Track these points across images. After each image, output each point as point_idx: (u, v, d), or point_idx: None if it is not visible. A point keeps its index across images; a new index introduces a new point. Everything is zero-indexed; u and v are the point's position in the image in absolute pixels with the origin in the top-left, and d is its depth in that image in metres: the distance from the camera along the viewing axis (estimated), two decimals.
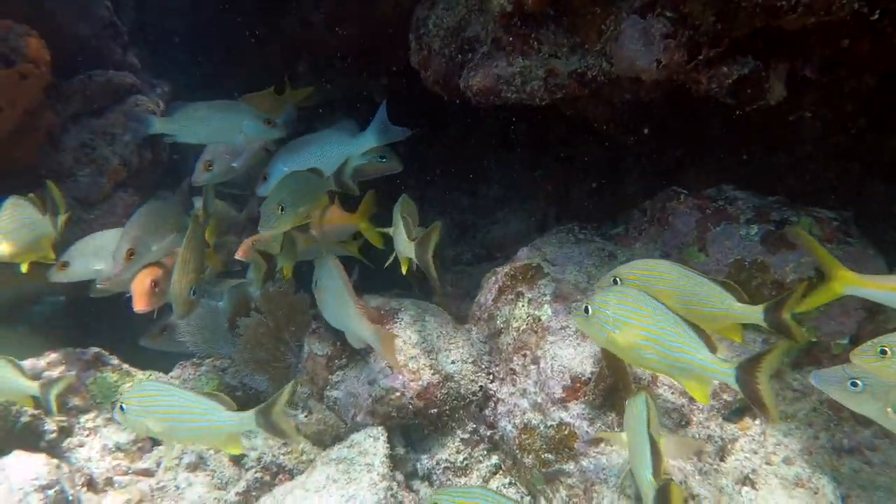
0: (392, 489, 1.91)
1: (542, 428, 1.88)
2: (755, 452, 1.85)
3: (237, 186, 2.80)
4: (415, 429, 2.07)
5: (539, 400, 1.90)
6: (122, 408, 1.65)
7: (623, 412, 1.68)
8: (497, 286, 2.14)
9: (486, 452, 2.05)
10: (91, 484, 2.07)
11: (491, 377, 2.07)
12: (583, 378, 1.85)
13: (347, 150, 2.27)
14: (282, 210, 2.00)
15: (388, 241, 2.10)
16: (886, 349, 1.40)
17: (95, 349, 2.31)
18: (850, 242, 1.95)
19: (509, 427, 1.96)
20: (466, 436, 2.05)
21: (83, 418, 2.22)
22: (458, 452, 2.03)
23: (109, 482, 2.10)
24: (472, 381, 2.05)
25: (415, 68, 2.33)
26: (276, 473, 2.08)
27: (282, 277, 2.25)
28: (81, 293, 2.39)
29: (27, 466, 1.86)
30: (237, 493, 2.05)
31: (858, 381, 1.46)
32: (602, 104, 2.26)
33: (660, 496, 1.41)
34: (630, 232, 2.27)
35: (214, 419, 1.63)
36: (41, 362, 2.23)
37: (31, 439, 2.11)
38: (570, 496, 1.82)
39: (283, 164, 2.30)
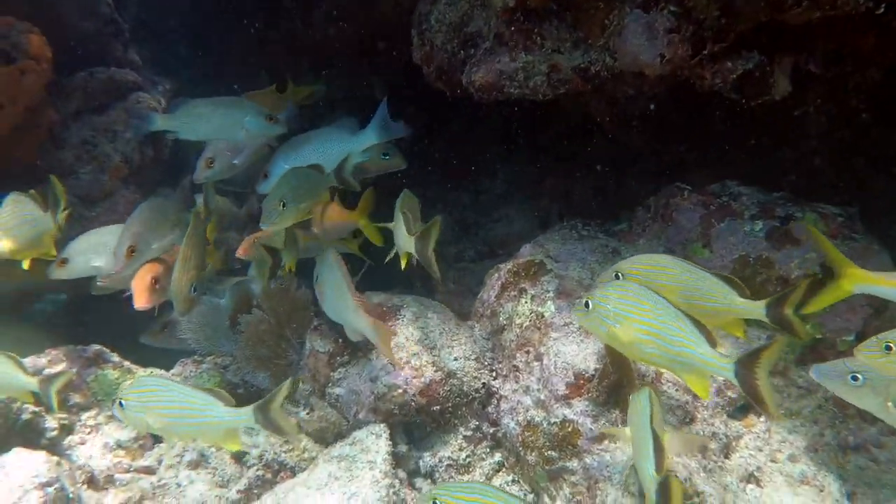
0: (394, 487, 1.90)
1: (545, 425, 1.87)
2: (760, 450, 1.84)
3: (238, 184, 2.79)
4: (417, 426, 2.06)
5: (542, 397, 1.89)
6: (121, 403, 1.65)
7: (627, 409, 1.67)
8: (500, 283, 2.13)
9: (488, 450, 2.04)
10: (92, 481, 2.06)
11: (494, 374, 2.06)
12: (586, 375, 1.84)
13: (348, 147, 2.26)
14: (283, 206, 1.99)
15: (391, 237, 2.09)
16: (891, 345, 1.40)
17: (96, 346, 2.30)
18: (855, 238, 1.94)
19: (512, 424, 1.95)
20: (469, 433, 2.04)
21: (84, 416, 2.22)
22: (460, 450, 2.02)
23: (110, 480, 2.10)
24: (475, 378, 2.04)
25: (416, 66, 2.32)
26: (278, 471, 2.07)
27: (283, 274, 2.24)
28: (83, 290, 2.39)
29: (27, 464, 1.85)
30: (239, 491, 2.04)
31: (859, 375, 1.46)
32: (605, 100, 2.25)
33: (661, 490, 1.39)
34: (633, 228, 2.26)
35: (213, 415, 1.62)
36: (42, 360, 2.23)
37: (32, 437, 2.10)
38: (573, 494, 1.81)
39: (284, 162, 2.30)
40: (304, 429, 2.10)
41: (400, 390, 1.99)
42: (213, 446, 2.10)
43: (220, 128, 2.27)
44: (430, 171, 2.81)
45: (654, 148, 2.47)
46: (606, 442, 1.79)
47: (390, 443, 1.98)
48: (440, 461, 2.02)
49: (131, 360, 2.35)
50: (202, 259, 2.13)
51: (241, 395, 2.27)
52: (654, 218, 2.20)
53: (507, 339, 2.05)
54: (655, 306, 1.47)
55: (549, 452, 1.84)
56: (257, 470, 2.06)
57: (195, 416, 1.62)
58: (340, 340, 2.12)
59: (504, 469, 2.01)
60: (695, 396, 1.86)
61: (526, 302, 2.03)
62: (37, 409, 2.12)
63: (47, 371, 2.22)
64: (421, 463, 2.04)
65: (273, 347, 2.23)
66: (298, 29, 3.07)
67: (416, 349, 2.02)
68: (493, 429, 2.03)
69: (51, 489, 1.83)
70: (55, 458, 1.93)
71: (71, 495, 1.89)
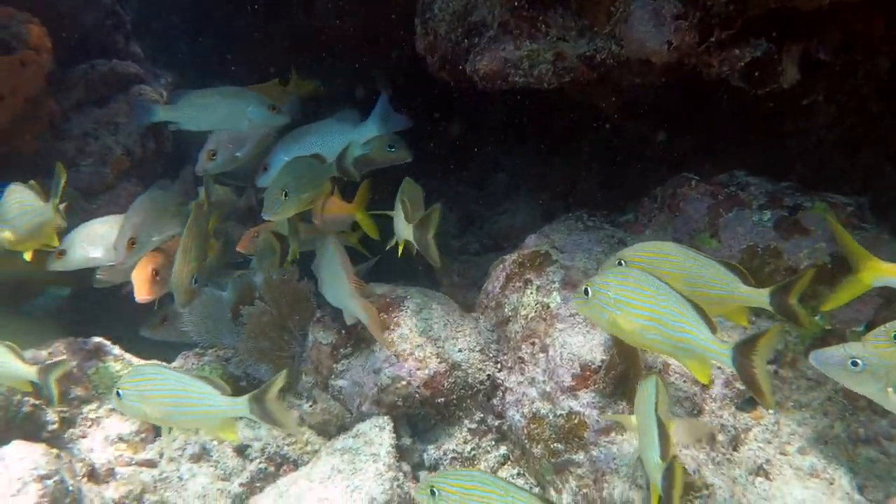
0: (398, 480, 1.88)
1: (551, 417, 1.84)
2: (769, 442, 1.82)
3: (239, 178, 2.78)
4: (421, 418, 2.04)
5: (548, 389, 1.87)
6: (118, 393, 1.63)
7: (634, 400, 1.64)
8: (505, 274, 2.11)
9: (493, 443, 2.01)
10: (93, 475, 2.03)
11: (499, 366, 2.04)
12: (593, 366, 1.82)
13: (349, 139, 2.26)
14: (285, 196, 1.97)
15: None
16: None
17: (97, 339, 2.28)
18: (865, 228, 1.92)
19: (517, 416, 1.92)
20: (474, 426, 2.01)
21: (85, 409, 2.19)
22: (465, 443, 2.00)
23: (111, 473, 2.07)
24: (480, 369, 2.01)
25: (419, 58, 2.30)
26: (281, 464, 2.05)
27: (286, 266, 2.23)
28: (86, 284, 2.37)
29: (26, 456, 1.82)
30: (241, 484, 2.02)
31: (859, 361, 1.44)
32: (611, 89, 2.23)
33: (666, 476, 1.37)
34: (640, 219, 2.24)
35: (209, 404, 1.61)
36: (42, 352, 2.20)
37: (32, 430, 2.08)
38: (580, 487, 1.78)
39: (285, 154, 2.29)
40: (307, 421, 2.08)
41: (404, 382, 1.97)
42: (212, 437, 2.08)
43: (223, 118, 2.26)
44: (435, 163, 2.80)
45: (661, 138, 2.45)
46: (613, 434, 1.77)
47: (394, 435, 1.96)
48: (444, 454, 2.00)
49: (133, 354, 2.33)
50: (203, 251, 2.11)
51: (243, 387, 2.25)
52: (661, 208, 2.18)
53: (512, 330, 2.02)
54: (657, 292, 1.45)
55: (555, 445, 1.82)
56: (260, 463, 2.04)
57: (192, 405, 1.61)
58: (343, 332, 2.10)
59: (509, 462, 1.99)
60: (703, 388, 1.85)
61: (531, 293, 2.01)
62: (37, 401, 2.10)
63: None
64: (425, 456, 2.01)
65: (275, 339, 2.21)
66: (300, 21, 3.05)
67: (419, 340, 2.00)
68: (499, 421, 2.01)
69: (50, 482, 1.81)
70: (55, 451, 1.90)
71: (71, 488, 1.86)
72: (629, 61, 1.94)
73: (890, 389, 1.43)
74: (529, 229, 2.33)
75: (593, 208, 2.37)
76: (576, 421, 1.80)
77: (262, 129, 2.38)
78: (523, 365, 1.95)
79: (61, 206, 2.12)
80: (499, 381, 2.02)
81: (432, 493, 1.46)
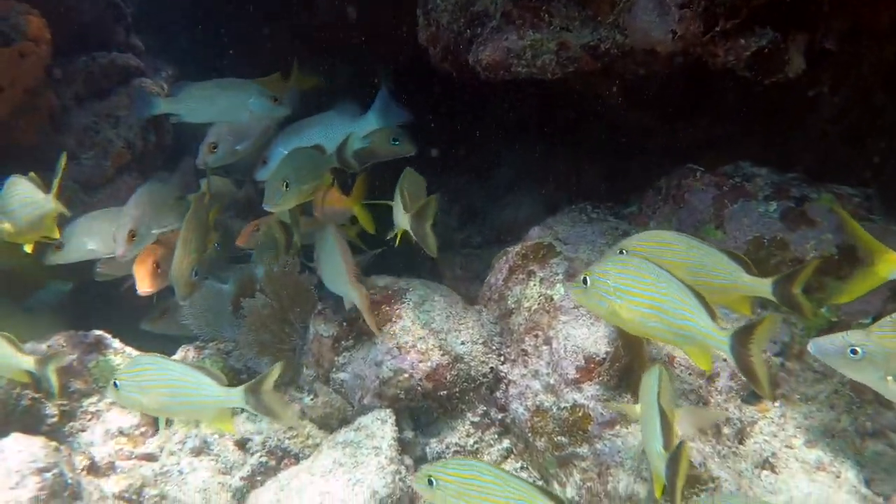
0: (400, 473, 1.86)
1: (554, 410, 1.83)
2: (775, 435, 1.81)
3: (239, 171, 2.77)
4: (423, 412, 2.02)
5: (552, 381, 1.85)
6: (115, 384, 1.63)
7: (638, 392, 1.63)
8: (508, 266, 2.09)
9: (497, 436, 2.00)
10: (93, 468, 2.02)
11: (502, 358, 2.02)
12: (597, 358, 1.80)
13: (349, 132, 2.24)
14: (286, 187, 1.96)
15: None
16: None
17: (97, 332, 2.26)
18: (872, 219, 1.90)
19: (521, 409, 1.91)
20: (477, 419, 1.99)
21: (85, 402, 2.18)
22: (468, 436, 1.98)
23: (111, 467, 2.06)
24: (483, 362, 2.00)
25: (422, 52, 2.29)
26: (282, 458, 2.03)
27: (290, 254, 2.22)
28: (87, 277, 2.37)
29: (25, 449, 1.80)
30: (242, 478, 2.01)
31: (858, 349, 1.42)
32: (615, 80, 2.21)
33: (671, 462, 1.36)
34: (644, 210, 2.22)
35: (205, 394, 1.60)
36: (42, 346, 2.19)
37: (31, 423, 2.07)
38: (584, 480, 1.77)
39: (284, 148, 2.28)
40: (309, 415, 2.06)
41: (406, 375, 1.95)
42: (211, 430, 2.07)
43: (224, 110, 2.26)
44: (437, 156, 2.78)
45: (665, 130, 2.43)
46: (618, 427, 1.75)
47: (396, 429, 1.94)
48: (447, 448, 1.98)
49: (134, 347, 2.32)
50: (203, 243, 2.10)
51: (244, 380, 2.20)
52: (665, 200, 2.16)
53: (515, 322, 2.01)
54: (657, 279, 1.44)
55: (559, 438, 1.81)
56: (261, 456, 2.03)
57: (189, 395, 1.60)
58: (345, 324, 2.08)
59: (513, 456, 1.97)
60: (708, 381, 1.83)
61: (535, 285, 1.99)
62: (37, 395, 2.08)
63: None
64: (428, 449, 1.99)
65: (276, 332, 2.19)
66: (302, 15, 3.04)
67: (422, 333, 1.98)
68: (502, 414, 1.99)
69: (48, 475, 1.79)
70: (53, 444, 1.88)
71: (70, 481, 1.85)
72: (633, 51, 1.92)
73: (890, 378, 1.42)
74: (532, 222, 2.32)
75: (597, 200, 2.36)
76: (580, 414, 1.79)
77: (264, 120, 2.37)
78: (527, 357, 1.94)
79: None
80: (502, 373, 2.00)
81: (430, 483, 1.44)
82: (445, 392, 1.96)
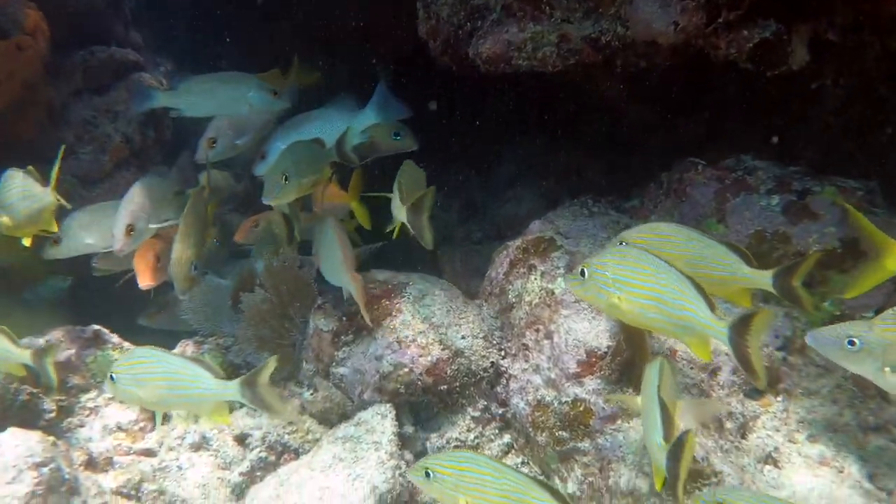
0: (400, 468, 1.85)
1: (555, 404, 1.82)
2: (777, 430, 1.79)
3: (238, 166, 2.76)
4: (424, 406, 2.01)
5: (553, 376, 1.84)
6: (112, 377, 1.62)
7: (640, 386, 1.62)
8: (508, 260, 2.08)
9: (497, 431, 1.99)
10: (90, 463, 2.01)
11: (503, 353, 2.01)
12: (598, 352, 1.79)
13: (347, 126, 2.23)
14: (286, 180, 1.95)
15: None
16: None
17: (95, 327, 2.25)
18: (875, 213, 1.89)
19: (522, 404, 1.90)
20: (477, 414, 1.99)
21: (83, 398, 2.17)
22: (468, 431, 1.97)
23: (109, 462, 2.05)
24: (484, 356, 1.99)
25: (422, 47, 2.27)
26: (282, 453, 2.03)
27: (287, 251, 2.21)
28: (87, 273, 2.36)
29: (21, 443, 1.79)
30: (241, 474, 2.00)
31: (856, 340, 1.42)
32: (616, 73, 2.19)
33: (673, 453, 1.35)
34: (645, 204, 2.21)
35: (201, 387, 1.60)
36: (39, 341, 2.17)
37: (29, 418, 2.05)
38: (585, 475, 1.76)
39: (282, 143, 2.27)
40: (308, 410, 2.06)
41: (406, 369, 1.94)
42: (210, 425, 2.06)
43: (224, 103, 2.25)
44: (438, 151, 2.77)
45: (666, 125, 2.42)
46: (620, 421, 1.74)
47: (396, 423, 1.93)
48: (448, 443, 1.97)
49: (133, 342, 2.31)
50: (202, 237, 2.09)
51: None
52: (667, 194, 2.15)
53: (516, 317, 2.00)
54: (657, 270, 1.43)
55: (560, 433, 1.80)
56: (260, 452, 2.02)
57: (185, 387, 1.60)
58: (345, 319, 2.07)
59: (513, 451, 1.96)
60: (710, 375, 1.82)
61: (536, 279, 1.98)
62: (34, 390, 2.07)
63: None
64: (428, 444, 1.99)
65: (276, 327, 2.18)
66: (301, 10, 3.03)
67: (422, 327, 1.97)
68: (503, 409, 1.98)
69: (45, 469, 1.78)
70: (51, 439, 1.87)
71: (67, 476, 1.84)
72: (635, 43, 1.91)
73: (887, 369, 1.41)
74: (533, 217, 2.30)
75: (598, 194, 2.35)
76: (581, 408, 1.78)
77: (263, 114, 2.36)
78: (527, 352, 1.92)
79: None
80: (503, 368, 1.99)
81: (427, 475, 1.44)
82: (446, 387, 1.95)
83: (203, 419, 2.04)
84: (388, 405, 1.96)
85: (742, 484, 1.64)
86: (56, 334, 2.21)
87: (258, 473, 2.00)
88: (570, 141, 2.81)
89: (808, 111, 2.20)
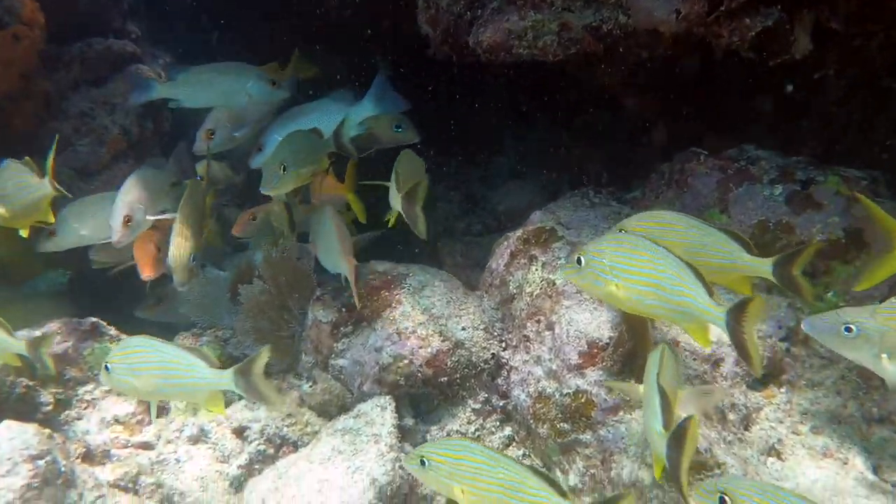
0: (400, 461, 1.83)
1: (557, 396, 1.80)
2: (781, 422, 1.78)
3: (236, 158, 2.74)
4: (424, 398, 2.00)
5: (554, 367, 1.82)
6: (106, 367, 1.62)
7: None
8: (509, 251, 2.06)
9: (498, 423, 1.98)
10: (87, 456, 1.99)
11: (503, 344, 2.00)
12: (600, 343, 1.78)
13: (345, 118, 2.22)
14: (284, 170, 1.93)
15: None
16: None
17: (93, 319, 2.23)
18: (880, 202, 1.86)
19: (523, 396, 1.88)
20: (478, 406, 1.97)
21: (80, 390, 2.15)
22: (469, 423, 1.96)
23: (107, 455, 2.03)
24: (484, 348, 1.97)
25: (422, 39, 2.26)
26: (280, 446, 2.01)
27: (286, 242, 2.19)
28: (85, 266, 2.35)
29: (17, 436, 1.77)
30: (239, 466, 1.99)
31: (853, 326, 1.42)
32: (617, 63, 2.18)
33: (673, 441, 1.33)
34: (647, 195, 2.19)
35: (196, 376, 1.60)
36: (36, 333, 2.16)
37: (25, 411, 2.03)
38: (587, 467, 1.74)
39: (279, 135, 2.26)
40: (307, 402, 2.04)
41: (406, 361, 1.93)
42: (204, 415, 2.04)
43: (223, 94, 2.24)
44: (438, 143, 2.76)
45: (667, 115, 2.40)
46: (622, 413, 1.73)
47: (396, 416, 1.92)
48: (448, 435, 1.96)
49: (131, 335, 2.29)
50: (200, 228, 2.07)
51: None
52: (669, 184, 2.13)
53: (517, 308, 1.98)
54: (654, 256, 1.42)
55: (562, 425, 1.78)
56: (259, 444, 2.00)
57: (180, 377, 1.60)
58: (344, 310, 2.06)
59: (515, 443, 1.95)
60: (713, 366, 1.80)
61: (536, 270, 1.96)
62: (31, 382, 2.06)
63: None
64: (428, 437, 1.97)
65: (274, 319, 2.17)
66: (302, 4, 3.01)
67: (422, 318, 1.96)
68: (503, 401, 1.97)
69: (41, 462, 1.76)
70: (47, 431, 1.85)
71: (63, 469, 1.82)
72: (636, 32, 1.90)
73: (884, 356, 1.40)
74: (534, 209, 2.29)
75: (599, 185, 2.33)
76: (583, 400, 1.76)
77: (262, 106, 2.34)
78: (529, 343, 1.91)
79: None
80: (503, 359, 1.98)
81: (422, 463, 1.43)
82: (446, 378, 1.94)
83: (201, 412, 2.02)
84: (387, 397, 1.95)
85: (745, 476, 1.63)
86: (53, 326, 2.19)
87: (257, 466, 1.99)
88: (571, 132, 2.80)
89: (812, 102, 2.19)
